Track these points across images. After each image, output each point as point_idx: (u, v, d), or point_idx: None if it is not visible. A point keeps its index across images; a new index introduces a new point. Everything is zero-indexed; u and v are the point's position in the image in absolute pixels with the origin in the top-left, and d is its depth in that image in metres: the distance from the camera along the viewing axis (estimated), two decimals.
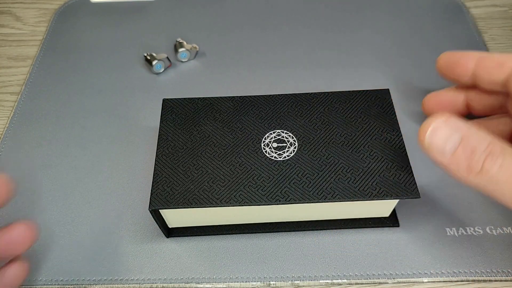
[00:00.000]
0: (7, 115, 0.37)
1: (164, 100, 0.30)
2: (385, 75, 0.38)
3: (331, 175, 0.26)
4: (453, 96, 0.29)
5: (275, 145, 0.27)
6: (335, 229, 0.29)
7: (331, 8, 0.44)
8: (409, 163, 0.26)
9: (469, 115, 0.30)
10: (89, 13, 0.44)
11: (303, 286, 0.27)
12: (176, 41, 0.40)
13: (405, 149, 0.27)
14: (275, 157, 0.27)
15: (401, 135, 0.27)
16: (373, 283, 0.27)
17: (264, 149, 0.27)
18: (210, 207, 0.25)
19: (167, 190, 0.26)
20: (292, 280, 0.27)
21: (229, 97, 0.30)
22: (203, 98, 0.30)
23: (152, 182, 0.26)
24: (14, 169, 0.33)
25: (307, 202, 0.25)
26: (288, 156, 0.27)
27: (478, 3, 0.44)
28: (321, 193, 0.25)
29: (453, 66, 0.28)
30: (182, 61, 0.40)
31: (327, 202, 0.25)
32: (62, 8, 0.45)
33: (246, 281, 0.27)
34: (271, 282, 0.27)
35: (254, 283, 0.27)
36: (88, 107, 0.37)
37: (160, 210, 0.26)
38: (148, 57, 0.38)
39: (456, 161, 0.22)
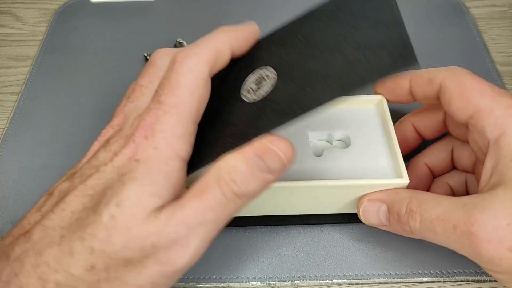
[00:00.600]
0: (7, 115, 0.37)
1: None
2: None
3: (324, 68, 0.22)
4: (403, 128, 0.30)
5: (253, 86, 0.24)
6: (334, 223, 0.29)
7: None
8: (405, 30, 0.22)
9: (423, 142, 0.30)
10: (89, 13, 0.44)
11: (303, 286, 0.27)
12: (176, 41, 0.40)
13: (401, 20, 0.22)
14: (254, 99, 0.24)
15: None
16: (373, 283, 0.27)
17: (243, 94, 0.24)
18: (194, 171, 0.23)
19: None
20: (292, 280, 0.27)
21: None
22: None
23: None
24: (14, 169, 0.33)
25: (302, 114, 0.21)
26: (266, 92, 0.24)
27: (478, 3, 0.44)
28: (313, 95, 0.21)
29: (392, 89, 0.29)
30: None
31: (327, 101, 0.21)
32: (62, 8, 0.45)
33: (246, 281, 0.27)
34: (271, 282, 0.27)
35: (254, 283, 0.27)
36: (88, 107, 0.37)
37: None
38: (148, 57, 0.38)
39: (394, 228, 0.25)
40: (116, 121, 0.25)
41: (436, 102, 0.27)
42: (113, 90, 0.38)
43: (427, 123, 0.29)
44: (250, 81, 0.24)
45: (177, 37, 0.41)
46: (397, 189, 0.25)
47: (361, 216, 0.26)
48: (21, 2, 0.46)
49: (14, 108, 0.37)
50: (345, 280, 0.27)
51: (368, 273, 0.27)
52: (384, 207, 0.25)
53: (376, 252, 0.28)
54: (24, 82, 0.39)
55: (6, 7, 0.46)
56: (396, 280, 0.27)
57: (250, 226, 0.29)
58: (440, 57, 0.39)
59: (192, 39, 0.41)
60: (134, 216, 0.20)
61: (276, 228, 0.29)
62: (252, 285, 0.27)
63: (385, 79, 0.29)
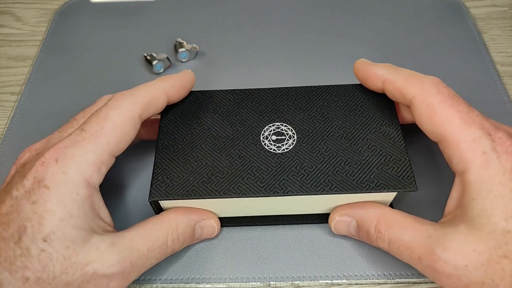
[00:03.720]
0: (7, 115, 0.37)
1: None
2: None
3: (329, 168, 0.26)
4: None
5: (274, 137, 0.27)
6: None
7: (331, 9, 0.44)
8: (407, 156, 0.26)
9: None
10: (89, 13, 0.44)
11: (303, 286, 0.27)
12: (176, 41, 0.40)
13: (403, 143, 0.27)
14: (274, 150, 0.27)
15: (400, 129, 0.27)
16: (373, 284, 0.27)
17: (263, 141, 0.27)
18: (208, 198, 0.25)
19: (166, 182, 0.26)
20: (292, 280, 0.27)
21: (230, 90, 0.30)
22: (203, 91, 0.30)
23: (152, 174, 0.26)
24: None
25: (305, 194, 0.25)
26: (287, 148, 0.27)
27: (478, 3, 0.44)
28: (319, 185, 0.25)
29: (366, 79, 0.28)
30: (182, 61, 0.40)
31: (324, 194, 0.25)
32: (62, 8, 0.45)
33: (246, 281, 0.27)
34: (271, 282, 0.27)
35: (254, 283, 0.27)
36: None
37: (159, 202, 0.27)
38: (148, 57, 0.38)
39: (363, 240, 0.27)
40: (36, 146, 0.26)
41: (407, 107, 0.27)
42: (113, 90, 0.38)
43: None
44: (270, 131, 0.28)
45: (177, 37, 0.41)
46: (365, 203, 0.26)
47: (332, 229, 0.28)
48: (21, 2, 0.46)
49: (14, 108, 0.37)
50: (345, 281, 0.27)
51: (368, 273, 0.27)
52: (354, 223, 0.26)
53: (376, 252, 0.28)
54: (24, 82, 0.39)
55: (6, 7, 0.46)
56: (396, 280, 0.27)
57: (249, 225, 0.29)
58: (440, 57, 0.39)
59: (192, 39, 0.41)
60: (68, 247, 0.22)
61: (275, 228, 0.29)
62: (252, 285, 0.27)
63: (363, 68, 0.28)
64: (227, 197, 0.25)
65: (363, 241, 0.27)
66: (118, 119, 0.24)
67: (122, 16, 0.44)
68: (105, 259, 0.22)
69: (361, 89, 0.29)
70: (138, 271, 0.24)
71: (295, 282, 0.27)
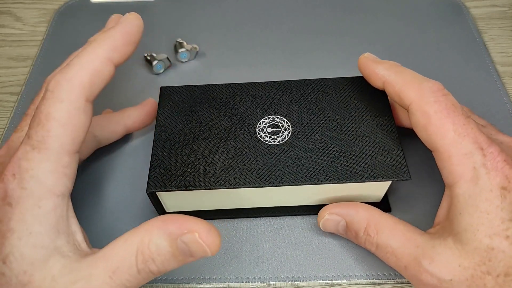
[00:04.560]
0: (7, 115, 0.37)
1: (161, 88, 0.31)
2: None
3: (324, 158, 0.26)
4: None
5: (269, 130, 0.28)
6: None
7: (331, 8, 0.44)
8: (400, 146, 0.26)
9: None
10: (89, 13, 0.44)
11: (303, 286, 0.27)
12: (176, 41, 0.40)
13: (397, 133, 0.27)
14: (269, 142, 0.27)
15: (393, 119, 0.28)
16: (372, 284, 0.27)
17: (259, 134, 0.28)
18: (205, 189, 0.25)
19: (164, 174, 0.26)
20: (292, 280, 0.27)
21: (225, 84, 0.30)
22: (199, 85, 0.30)
23: (150, 166, 0.26)
24: None
25: (300, 184, 0.25)
26: (282, 140, 0.27)
27: (478, 3, 0.44)
28: (314, 175, 0.26)
29: (368, 77, 0.28)
30: (182, 61, 0.40)
31: (319, 184, 0.25)
32: (62, 8, 0.45)
33: (246, 281, 0.27)
34: (271, 282, 0.27)
35: (254, 283, 0.27)
36: None
37: (157, 194, 0.27)
38: (148, 57, 0.38)
39: (350, 240, 0.27)
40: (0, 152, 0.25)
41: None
42: (113, 91, 0.38)
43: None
44: (266, 123, 0.28)
45: (177, 37, 0.41)
46: (357, 204, 0.26)
47: (321, 227, 0.27)
48: (21, 2, 0.46)
49: (14, 108, 0.37)
50: (345, 281, 0.27)
51: (368, 273, 0.27)
52: (343, 222, 0.26)
53: None
54: (24, 82, 0.39)
55: (6, 7, 0.46)
56: (395, 280, 0.27)
57: (244, 217, 0.30)
58: (440, 57, 0.39)
59: (192, 39, 0.41)
60: (25, 273, 0.20)
61: (276, 227, 0.29)
62: (252, 285, 0.27)
63: (366, 65, 0.28)
64: (224, 188, 0.25)
65: (350, 240, 0.27)
66: (62, 115, 0.21)
67: None
68: None
69: (354, 82, 0.30)
70: None
71: (295, 282, 0.27)
